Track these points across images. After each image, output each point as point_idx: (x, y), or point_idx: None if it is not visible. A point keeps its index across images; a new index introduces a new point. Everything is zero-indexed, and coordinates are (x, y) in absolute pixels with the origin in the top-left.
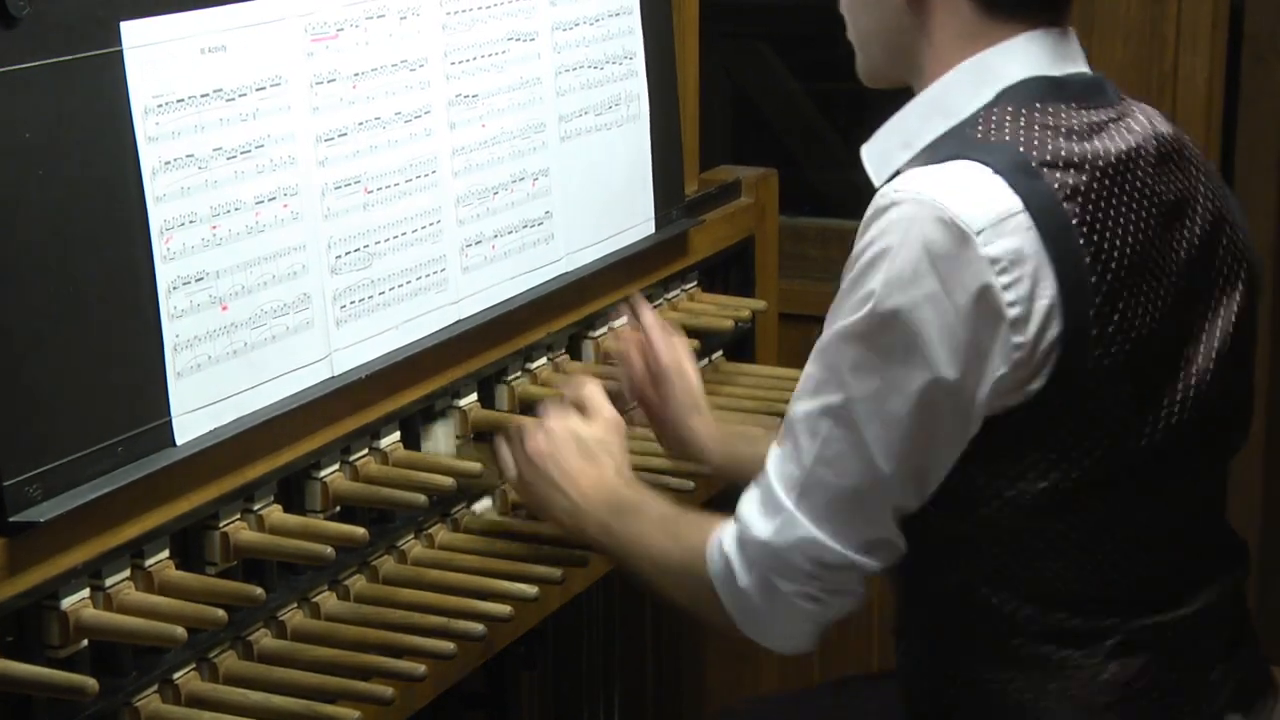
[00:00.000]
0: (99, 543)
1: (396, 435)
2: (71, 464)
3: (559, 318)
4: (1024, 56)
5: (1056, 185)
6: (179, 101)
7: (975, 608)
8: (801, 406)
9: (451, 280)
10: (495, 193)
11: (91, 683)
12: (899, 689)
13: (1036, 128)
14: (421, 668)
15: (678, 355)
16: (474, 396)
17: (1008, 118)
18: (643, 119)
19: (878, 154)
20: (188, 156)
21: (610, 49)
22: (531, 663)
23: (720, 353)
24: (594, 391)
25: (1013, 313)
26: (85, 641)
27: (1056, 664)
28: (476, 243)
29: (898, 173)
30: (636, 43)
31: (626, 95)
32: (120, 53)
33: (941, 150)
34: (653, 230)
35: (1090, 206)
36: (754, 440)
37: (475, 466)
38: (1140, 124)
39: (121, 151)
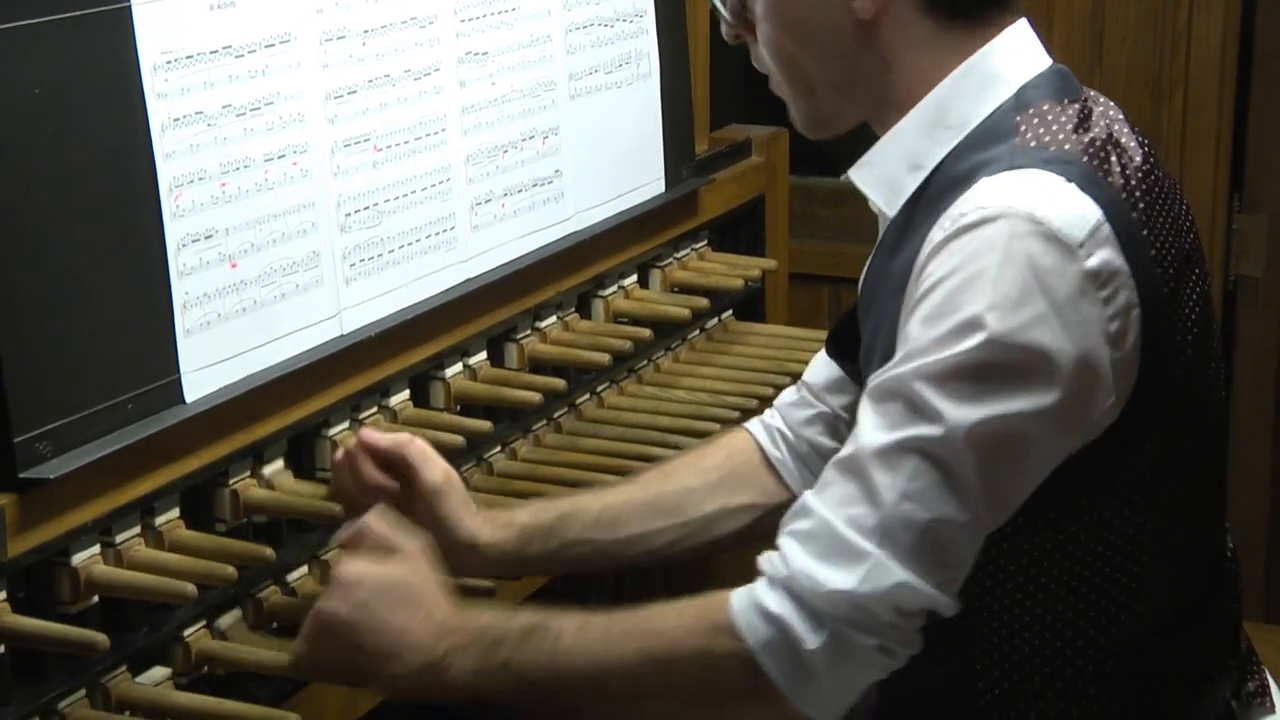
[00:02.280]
0: (109, 499)
1: (406, 394)
2: (81, 421)
3: (568, 276)
4: (1019, 52)
5: (1123, 195)
6: (188, 58)
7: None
8: (876, 439)
9: (461, 239)
10: (505, 151)
11: (102, 638)
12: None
13: (1077, 131)
14: None
15: (440, 464)
16: (483, 355)
17: (1045, 120)
18: (653, 77)
19: (880, 181)
20: (197, 113)
21: (621, 6)
22: None
23: (730, 312)
24: (378, 526)
25: (1113, 328)
26: (96, 598)
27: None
28: (486, 201)
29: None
30: (647, 0)
31: (637, 53)
32: (129, 8)
33: (983, 163)
34: (663, 189)
35: (1148, 212)
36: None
37: (486, 425)
38: (1119, 118)
39: (130, 108)
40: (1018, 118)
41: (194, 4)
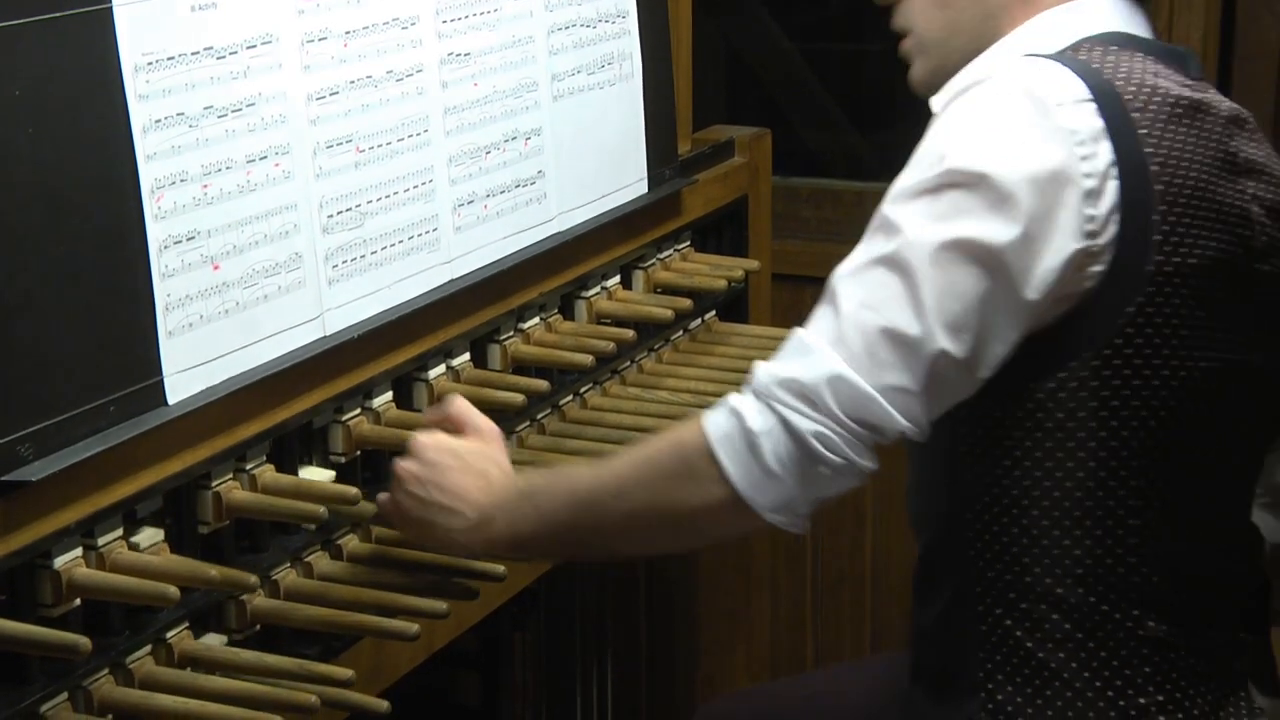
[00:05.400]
0: (91, 502)
1: (389, 395)
2: (63, 423)
3: (552, 277)
4: (1096, 13)
5: (1128, 96)
6: (169, 59)
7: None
8: (846, 265)
9: (444, 240)
10: (487, 152)
11: (84, 641)
12: (910, 654)
13: (1112, 58)
14: (414, 627)
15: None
16: (466, 356)
17: (1084, 52)
18: (636, 78)
19: (951, 94)
20: (178, 115)
21: (603, 7)
22: (523, 624)
23: (713, 313)
24: (463, 406)
25: (1088, 184)
26: (78, 600)
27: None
28: (469, 202)
29: None
30: (630, 1)
31: (619, 54)
32: (110, 9)
33: None
34: (645, 190)
35: (1158, 126)
36: None
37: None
38: (1215, 95)
39: (112, 109)
40: (1058, 51)
41: (175, 5)
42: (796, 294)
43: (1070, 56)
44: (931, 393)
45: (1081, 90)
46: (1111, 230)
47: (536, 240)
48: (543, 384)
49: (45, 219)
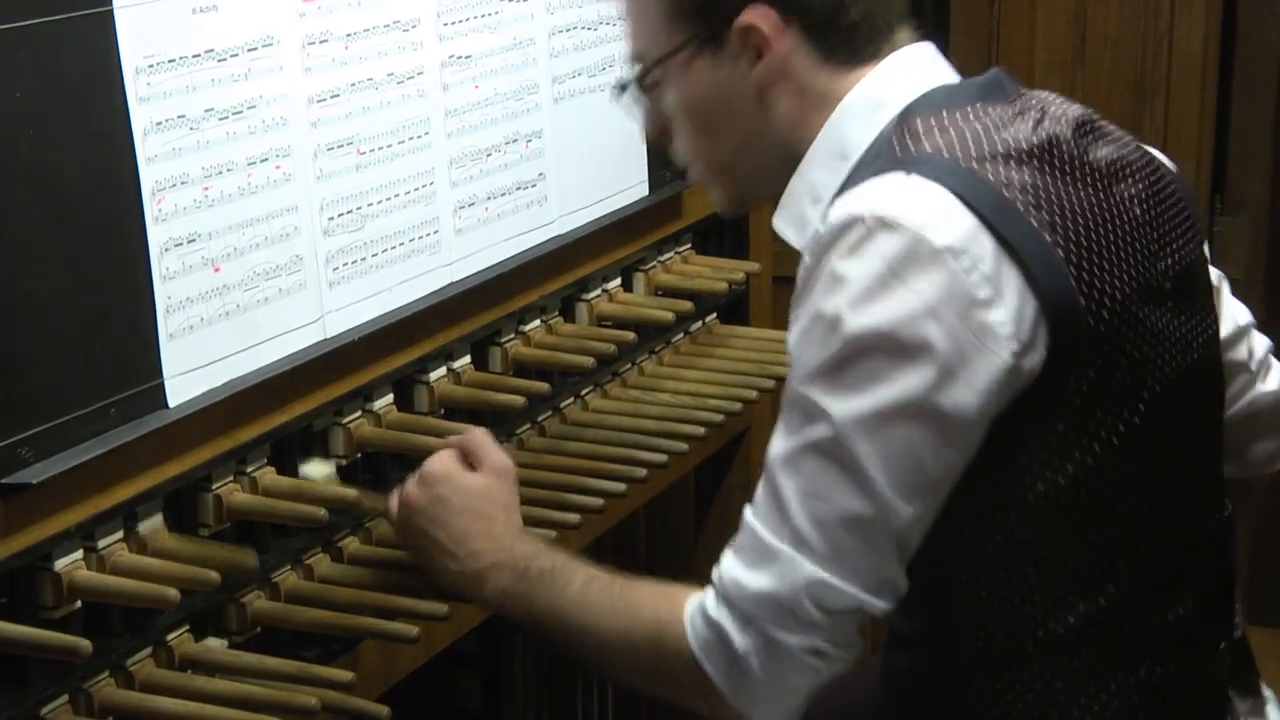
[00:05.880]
0: (91, 504)
1: (390, 397)
2: (64, 426)
3: (552, 280)
4: (901, 77)
5: (990, 176)
6: (170, 62)
7: (984, 615)
8: (778, 448)
9: (445, 242)
10: (488, 155)
11: (85, 644)
12: (886, 696)
13: (953, 132)
14: (415, 629)
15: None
16: (467, 358)
17: (921, 130)
18: None
19: (793, 220)
20: (179, 117)
21: (604, 9)
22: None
23: (714, 315)
24: (482, 438)
25: (983, 293)
26: (78, 603)
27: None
28: (470, 205)
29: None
30: None
31: (621, 56)
32: (111, 12)
33: (860, 179)
34: (646, 193)
35: (1031, 187)
36: None
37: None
38: (1048, 112)
39: (112, 112)
40: (894, 135)
41: (176, 7)
42: None
43: (911, 154)
44: (905, 551)
45: (939, 194)
46: (1030, 313)
47: (537, 243)
48: (543, 386)
49: (46, 221)
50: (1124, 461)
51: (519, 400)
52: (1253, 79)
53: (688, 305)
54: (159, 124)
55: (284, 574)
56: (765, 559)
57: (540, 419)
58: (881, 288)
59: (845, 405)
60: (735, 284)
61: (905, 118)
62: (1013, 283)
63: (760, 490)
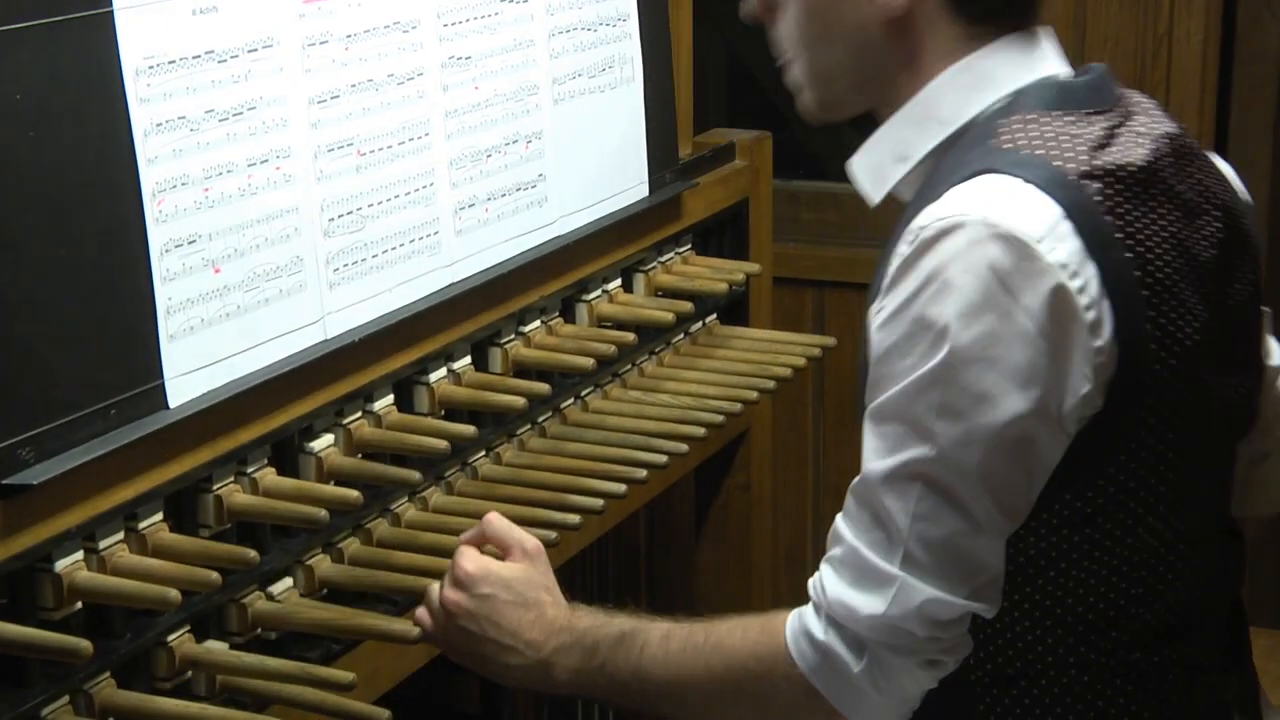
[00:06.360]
0: (92, 505)
1: (390, 398)
2: (64, 426)
3: (552, 281)
4: (1018, 58)
5: (1097, 197)
6: (170, 63)
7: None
8: (878, 467)
9: (445, 243)
10: (488, 155)
11: (85, 645)
12: None
13: (1062, 138)
14: (415, 630)
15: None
16: (467, 359)
17: (1028, 126)
18: (636, 81)
19: (870, 169)
20: (179, 118)
21: (604, 10)
22: None
23: (714, 316)
24: (501, 525)
25: (1089, 316)
26: (79, 604)
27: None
28: (470, 206)
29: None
30: (630, 4)
31: (620, 57)
32: (111, 13)
33: (961, 163)
34: (646, 193)
35: (1129, 217)
36: None
37: (470, 430)
38: (1147, 125)
39: (113, 113)
40: (997, 122)
41: (176, 9)
42: (797, 297)
43: (1016, 153)
44: (1004, 554)
45: (1050, 208)
46: (1108, 351)
47: (537, 243)
48: (543, 387)
49: (46, 222)
50: (1148, 495)
51: (519, 401)
52: (1253, 80)
53: (688, 306)
54: (159, 125)
55: (285, 575)
56: (876, 582)
57: (540, 420)
58: (990, 301)
59: (951, 427)
60: (735, 285)
61: (1012, 106)
62: (1107, 314)
63: (856, 506)
